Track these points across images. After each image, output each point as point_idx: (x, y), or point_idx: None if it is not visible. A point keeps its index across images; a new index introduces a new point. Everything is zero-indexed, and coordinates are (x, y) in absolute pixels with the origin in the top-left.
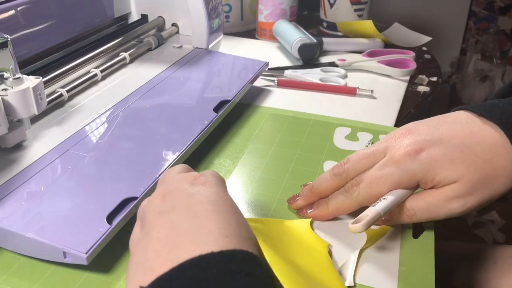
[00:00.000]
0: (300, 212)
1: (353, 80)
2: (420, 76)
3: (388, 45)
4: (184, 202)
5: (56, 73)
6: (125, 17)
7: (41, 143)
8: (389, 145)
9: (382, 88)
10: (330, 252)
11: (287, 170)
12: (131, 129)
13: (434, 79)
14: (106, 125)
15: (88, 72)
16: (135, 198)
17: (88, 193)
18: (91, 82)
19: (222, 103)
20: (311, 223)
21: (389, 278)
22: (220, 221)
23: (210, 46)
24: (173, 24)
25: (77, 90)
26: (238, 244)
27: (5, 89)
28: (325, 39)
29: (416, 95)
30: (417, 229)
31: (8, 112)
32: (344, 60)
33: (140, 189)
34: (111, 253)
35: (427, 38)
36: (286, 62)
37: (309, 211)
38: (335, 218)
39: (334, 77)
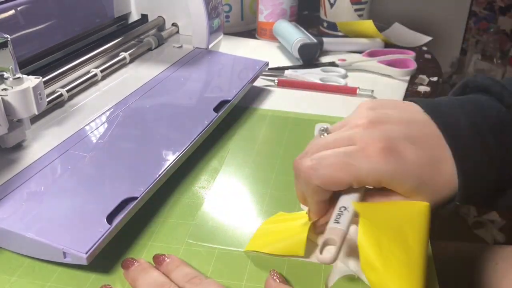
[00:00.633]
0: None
1: (354, 80)
2: (421, 76)
3: (388, 45)
4: None
5: (56, 73)
6: (125, 17)
7: (41, 143)
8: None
9: (382, 88)
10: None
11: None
12: (131, 129)
13: (435, 79)
14: (106, 125)
15: (88, 72)
16: (135, 198)
17: (88, 193)
18: (91, 82)
19: (222, 103)
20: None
21: None
22: None
23: (210, 46)
24: (173, 24)
25: (77, 90)
26: None
27: (5, 89)
28: (325, 39)
29: (417, 95)
30: None
31: (8, 112)
32: (344, 60)
33: (140, 189)
34: (111, 253)
35: (427, 38)
36: (286, 62)
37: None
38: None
39: (334, 77)
